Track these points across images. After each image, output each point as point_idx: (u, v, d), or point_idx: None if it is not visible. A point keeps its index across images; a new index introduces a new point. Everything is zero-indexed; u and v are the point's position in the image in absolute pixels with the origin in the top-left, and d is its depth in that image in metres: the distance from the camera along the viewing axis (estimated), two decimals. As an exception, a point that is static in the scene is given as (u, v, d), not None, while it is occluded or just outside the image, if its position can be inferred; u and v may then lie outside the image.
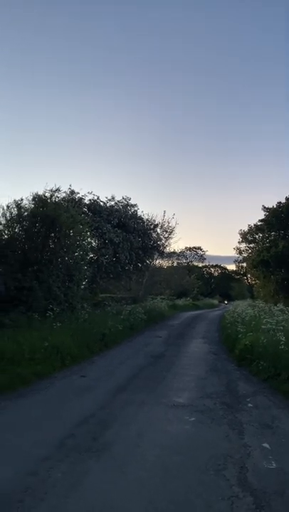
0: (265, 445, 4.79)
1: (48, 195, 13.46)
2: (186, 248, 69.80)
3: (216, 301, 62.94)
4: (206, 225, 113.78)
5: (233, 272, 75.67)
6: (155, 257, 27.27)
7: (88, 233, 18.08)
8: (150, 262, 28.73)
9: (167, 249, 31.97)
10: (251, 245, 42.33)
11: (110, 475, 3.92)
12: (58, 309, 11.64)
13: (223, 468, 4.12)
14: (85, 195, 21.08)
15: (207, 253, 74.94)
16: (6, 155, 70.09)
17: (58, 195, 13.95)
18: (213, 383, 8.00)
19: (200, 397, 6.90)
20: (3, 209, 12.61)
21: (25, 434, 4.99)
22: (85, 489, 3.62)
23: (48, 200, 13.25)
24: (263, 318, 11.17)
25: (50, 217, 12.76)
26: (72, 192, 20.62)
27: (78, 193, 20.75)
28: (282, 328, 9.24)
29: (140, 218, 23.04)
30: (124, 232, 21.17)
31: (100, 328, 12.57)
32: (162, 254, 28.13)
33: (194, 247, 72.24)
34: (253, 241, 42.00)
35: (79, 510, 3.27)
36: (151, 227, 23.99)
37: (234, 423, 5.57)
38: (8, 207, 12.58)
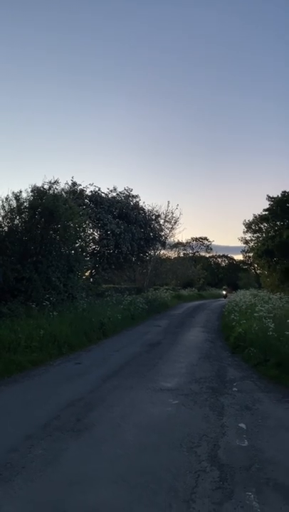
0: (242, 425, 4.98)
1: (46, 187, 13.65)
2: (192, 239, 69.87)
3: (222, 292, 63.01)
4: (213, 216, 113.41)
5: (240, 262, 75.51)
6: (158, 247, 27.41)
7: (88, 224, 18.30)
8: (154, 253, 28.93)
9: (171, 240, 32.20)
10: (256, 235, 42.17)
11: (87, 452, 4.13)
12: (54, 299, 11.89)
13: (196, 446, 4.32)
14: (86, 187, 21.29)
15: (214, 243, 74.87)
16: (4, 148, 70.24)
17: (57, 187, 14.12)
18: (204, 369, 8.19)
19: (188, 382, 7.11)
20: (2, 201, 12.84)
21: (13, 416, 5.23)
22: (61, 464, 3.84)
23: (47, 192, 13.43)
24: (256, 306, 11.31)
25: (48, 209, 12.95)
26: (74, 184, 20.83)
27: (80, 184, 20.95)
28: (272, 315, 9.38)
29: (142, 209, 23.19)
30: (126, 223, 21.33)
31: (98, 318, 12.82)
32: (164, 245, 28.29)
33: (200, 238, 72.15)
34: (258, 231, 41.84)
35: (51, 482, 3.49)
36: (153, 217, 24.12)
37: (216, 405, 5.76)
38: (6, 199, 12.81)
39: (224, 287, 70.90)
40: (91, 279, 21.51)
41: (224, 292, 41.70)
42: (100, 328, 12.35)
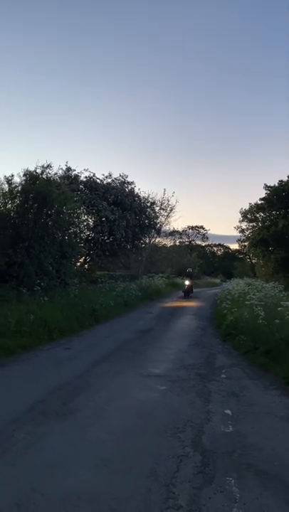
0: (227, 411, 4.98)
1: (39, 171, 13.48)
2: (188, 227, 69.84)
3: (217, 280, 63.04)
4: (209, 204, 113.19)
5: (236, 251, 75.64)
6: (153, 235, 27.33)
7: (83, 210, 18.16)
8: (149, 240, 28.86)
9: (167, 228, 32.12)
10: (252, 224, 42.17)
11: (71, 436, 4.12)
12: (46, 284, 11.83)
13: (180, 431, 4.32)
14: (81, 172, 21.09)
15: (210, 232, 74.95)
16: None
17: (50, 172, 13.95)
18: (193, 356, 8.20)
19: (176, 368, 7.10)
20: (-6, 185, 12.67)
21: (-1, 400, 5.22)
22: (43, 448, 3.82)
23: (39, 177, 13.27)
24: (248, 295, 11.32)
25: (41, 194, 12.81)
26: (69, 169, 20.62)
27: (74, 170, 20.74)
28: (262, 303, 9.39)
29: (137, 196, 23.03)
30: (121, 209, 21.19)
31: (90, 304, 12.78)
32: (160, 232, 28.20)
33: (196, 226, 72.17)
34: (254, 220, 41.83)
35: (32, 466, 3.47)
36: (148, 204, 23.98)
37: (203, 392, 5.76)
38: (-2, 183, 12.65)
39: (219, 276, 70.84)
40: (85, 266, 21.46)
41: (187, 282, 23.83)
42: (91, 314, 12.32)
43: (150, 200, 24.84)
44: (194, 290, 26.03)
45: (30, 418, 4.55)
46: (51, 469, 3.40)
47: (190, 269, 25.76)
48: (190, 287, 23.80)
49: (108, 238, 21.00)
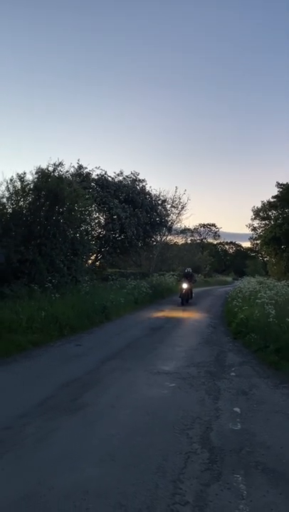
0: (236, 409, 4.97)
1: (51, 169, 13.56)
2: (199, 225, 69.57)
3: (229, 278, 62.75)
4: (221, 202, 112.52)
5: (248, 249, 75.14)
6: (164, 232, 27.30)
7: (94, 208, 18.23)
8: (160, 238, 28.84)
9: (178, 226, 32.03)
10: (264, 222, 41.80)
11: (79, 431, 4.15)
12: (56, 281, 11.91)
13: (189, 428, 4.32)
14: (92, 170, 21.14)
15: (222, 230, 74.52)
16: (8, 130, 69.74)
17: (62, 170, 14.02)
18: (204, 354, 8.18)
19: (186, 365, 7.10)
20: (6, 182, 12.78)
21: (10, 395, 5.28)
22: (52, 442, 3.86)
23: (51, 174, 13.35)
24: (259, 293, 11.25)
25: (53, 191, 12.89)
26: (80, 167, 20.69)
27: (86, 167, 20.81)
28: (273, 301, 9.32)
29: (148, 194, 23.03)
30: (132, 207, 21.22)
31: (101, 301, 12.83)
32: (170, 230, 28.16)
33: (208, 224, 71.85)
34: (266, 218, 41.46)
35: (40, 460, 3.51)
36: (159, 202, 23.96)
37: (212, 389, 5.75)
38: (11, 180, 12.76)
39: (231, 274, 70.62)
40: (96, 263, 21.54)
41: (184, 285, 18.40)
42: (102, 312, 12.37)
43: (161, 197, 24.83)
44: (204, 288, 25.84)
45: (40, 413, 4.60)
46: (59, 464, 3.44)
47: (189, 269, 20.00)
48: (188, 291, 18.46)
49: (119, 236, 21.06)
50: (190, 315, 14.65)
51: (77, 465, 3.42)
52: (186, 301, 18.16)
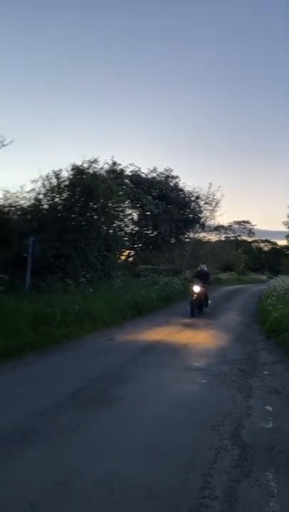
0: (268, 408, 4.91)
1: (85, 165, 13.78)
2: (234, 222, 68.51)
3: (264, 277, 61.46)
4: (256, 200, 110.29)
5: (283, 247, 73.33)
6: (197, 229, 27.11)
7: (128, 204, 18.37)
8: (193, 235, 28.67)
9: (212, 222, 31.69)
10: (301, 219, 40.70)
11: (109, 423, 4.22)
12: (90, 276, 12.12)
13: (220, 424, 4.31)
14: (126, 167, 21.29)
15: (257, 228, 73.05)
16: (43, 128, 70.93)
17: (96, 166, 14.23)
18: (236, 352, 8.11)
19: (218, 363, 7.07)
20: (43, 179, 13.10)
21: (44, 385, 5.45)
22: (84, 432, 3.95)
23: (86, 171, 13.57)
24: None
25: (87, 188, 13.11)
26: (114, 163, 20.88)
27: (120, 164, 20.98)
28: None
29: (181, 190, 22.95)
30: (165, 203, 21.22)
31: (133, 297, 12.95)
32: (204, 227, 27.93)
33: (243, 221, 70.60)
34: (304, 215, 40.34)
35: (72, 448, 3.61)
36: (193, 199, 23.82)
37: (244, 387, 5.70)
38: (47, 177, 13.06)
39: (266, 272, 69.07)
40: (129, 259, 21.71)
41: (196, 289, 13.26)
42: (134, 307, 12.49)
43: (195, 194, 24.65)
44: (237, 286, 25.30)
45: (72, 404, 4.72)
46: (91, 453, 3.52)
47: (203, 267, 15.01)
48: (201, 296, 13.56)
49: (152, 232, 21.12)
50: (222, 312, 14.51)
51: (107, 456, 3.49)
52: (200, 309, 13.52)
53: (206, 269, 14.94)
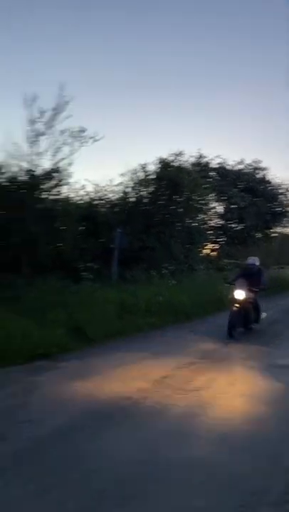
0: None
1: (171, 158, 13.91)
2: None
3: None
4: None
5: None
6: (285, 223, 25.87)
7: (212, 197, 18.19)
8: (281, 229, 27.42)
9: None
10: None
11: (193, 411, 4.31)
12: (173, 268, 12.26)
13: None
14: (212, 159, 21.04)
15: None
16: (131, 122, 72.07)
17: (181, 159, 14.29)
18: None
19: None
20: (131, 173, 13.50)
21: (128, 369, 5.72)
22: (166, 418, 4.10)
23: (171, 164, 13.71)
24: None
25: (173, 181, 13.25)
26: (200, 156, 20.75)
27: (206, 157, 20.79)
28: None
29: (269, 182, 22.06)
30: (252, 196, 20.61)
31: (216, 291, 12.84)
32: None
33: None
34: None
35: (154, 432, 3.78)
36: (281, 191, 22.76)
37: None
38: (135, 170, 13.44)
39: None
40: (213, 253, 21.51)
41: (239, 295, 8.40)
42: (217, 301, 12.38)
43: (284, 186, 23.54)
44: None
45: (157, 389, 4.90)
46: (174, 438, 3.65)
47: (252, 260, 9.51)
48: (247, 306, 8.80)
49: (237, 226, 20.67)
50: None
51: (189, 442, 3.59)
52: (245, 327, 8.88)
53: (257, 263, 9.52)
